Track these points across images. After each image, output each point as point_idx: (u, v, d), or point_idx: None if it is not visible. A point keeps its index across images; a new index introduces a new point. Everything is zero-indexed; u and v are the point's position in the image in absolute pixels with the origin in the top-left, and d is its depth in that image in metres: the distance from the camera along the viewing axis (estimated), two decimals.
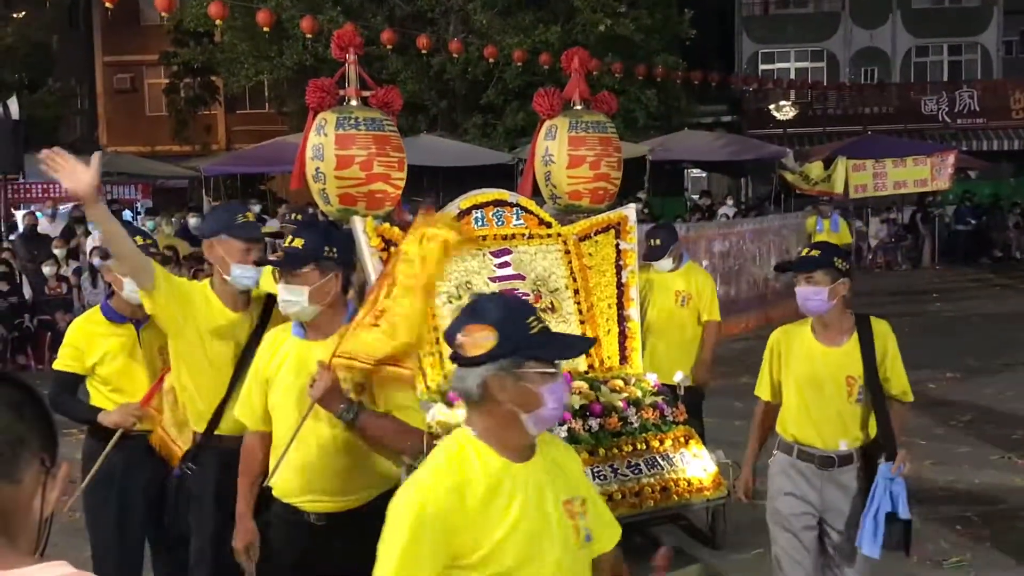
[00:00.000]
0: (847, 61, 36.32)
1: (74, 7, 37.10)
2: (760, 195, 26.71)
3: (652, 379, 6.51)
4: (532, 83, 25.38)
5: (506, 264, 6.31)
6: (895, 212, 26.25)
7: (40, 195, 18.50)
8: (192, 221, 16.18)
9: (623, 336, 6.60)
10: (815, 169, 23.40)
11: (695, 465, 6.28)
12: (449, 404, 5.50)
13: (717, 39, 34.58)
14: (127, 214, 21.43)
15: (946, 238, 26.21)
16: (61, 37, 33.75)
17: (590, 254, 6.63)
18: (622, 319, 6.61)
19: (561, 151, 6.89)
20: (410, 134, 24.92)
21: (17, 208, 18.14)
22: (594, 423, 5.98)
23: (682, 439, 6.31)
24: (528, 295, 6.19)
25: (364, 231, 5.85)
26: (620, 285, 6.65)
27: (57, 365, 5.02)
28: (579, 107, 7.12)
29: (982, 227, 26.43)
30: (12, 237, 16.31)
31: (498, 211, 6.40)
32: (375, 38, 21.65)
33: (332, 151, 5.91)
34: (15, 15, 30.55)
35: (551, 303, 6.34)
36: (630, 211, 6.91)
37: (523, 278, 6.31)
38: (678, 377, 6.73)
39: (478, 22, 25.57)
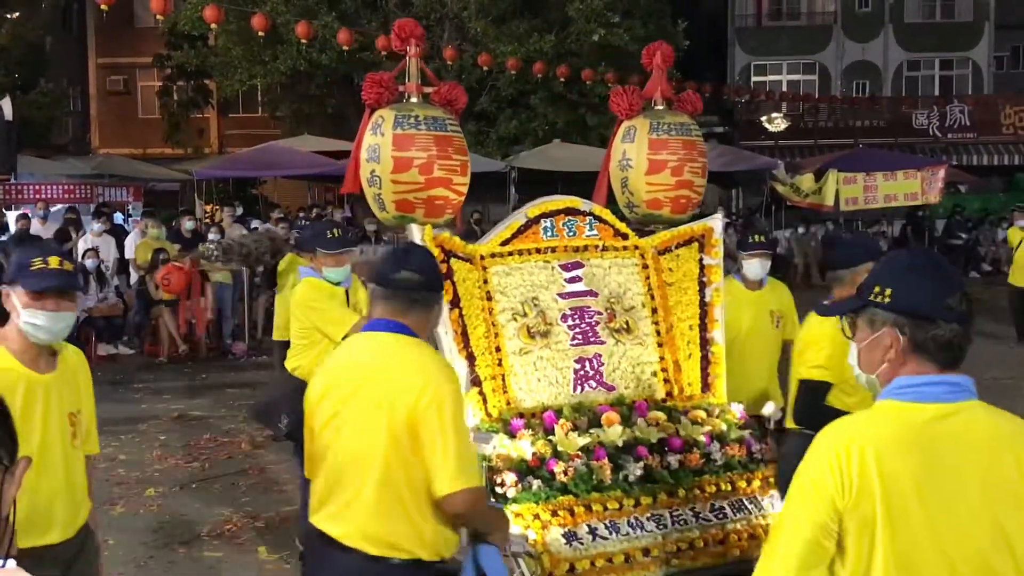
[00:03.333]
0: (839, 74, 36.46)
1: (68, 8, 37.06)
2: (751, 206, 26.81)
3: (738, 410, 5.77)
4: (525, 91, 25.49)
5: (577, 279, 5.68)
6: (885, 225, 26.35)
7: (32, 196, 18.45)
8: (187, 224, 16.16)
9: (706, 361, 5.88)
10: (806, 181, 23.47)
11: None
12: (511, 435, 4.92)
13: (710, 50, 34.67)
14: (118, 217, 21.42)
15: (936, 252, 26.31)
16: (54, 38, 33.73)
17: (670, 269, 5.97)
18: (705, 342, 5.91)
19: (640, 155, 6.28)
20: None
21: (9, 209, 18.09)
22: (673, 459, 5.27)
23: (771, 480, 5.56)
24: (601, 313, 5.60)
25: (423, 241, 5.28)
26: (703, 304, 5.98)
27: None
28: (660, 107, 6.48)
29: (972, 241, 26.55)
30: (4, 238, 16.28)
31: (569, 220, 5.78)
32: (370, 44, 21.68)
33: (389, 152, 5.45)
34: (9, 16, 30.52)
35: (626, 323, 5.68)
36: (716, 222, 6.20)
37: (596, 295, 5.66)
38: (769, 409, 6.03)
39: (472, 30, 25.61)
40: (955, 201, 27.85)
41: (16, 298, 3.49)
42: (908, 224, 26.15)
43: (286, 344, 7.66)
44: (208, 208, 21.93)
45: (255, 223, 18.11)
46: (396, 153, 5.43)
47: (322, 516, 3.41)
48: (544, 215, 5.74)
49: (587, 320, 5.54)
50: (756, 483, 5.48)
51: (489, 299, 5.30)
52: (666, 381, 5.70)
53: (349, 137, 27.33)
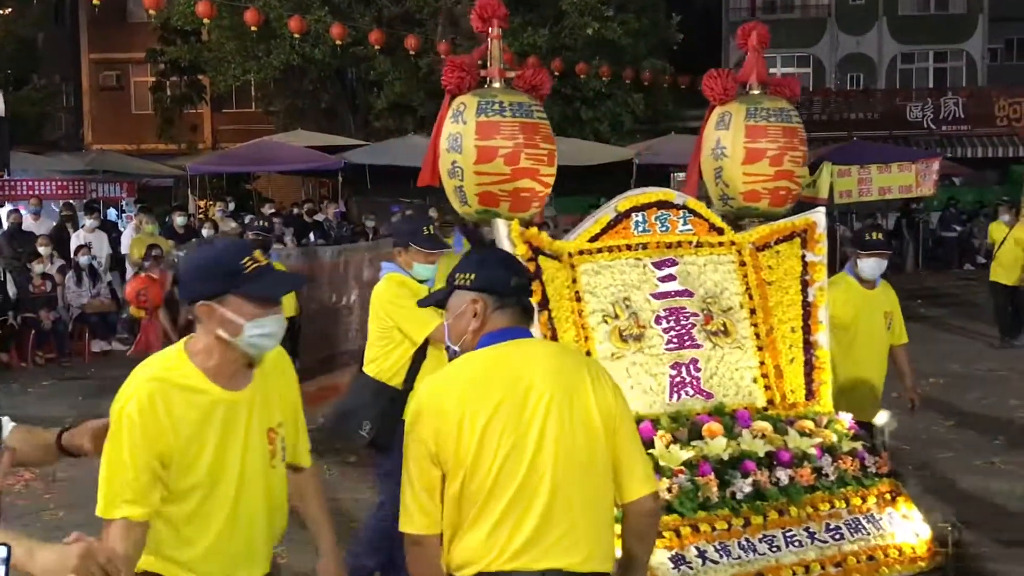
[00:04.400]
0: (833, 67, 36.46)
1: (60, 4, 36.92)
2: None
3: (847, 420, 5.36)
4: None
5: (671, 277, 5.30)
6: (880, 218, 26.34)
7: (25, 192, 18.38)
8: (179, 220, 16.12)
9: (809, 367, 5.46)
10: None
11: (905, 529, 5.06)
12: None
13: (704, 43, 34.64)
14: (111, 213, 21.37)
15: (930, 244, 26.34)
16: (47, 34, 33.61)
17: (770, 267, 5.54)
18: (808, 346, 5.48)
19: (736, 143, 5.83)
20: (397, 135, 24.94)
21: (2, 206, 18.03)
22: (783, 475, 4.86)
23: (888, 495, 5.11)
24: (697, 315, 5.24)
25: (509, 237, 4.98)
26: (806, 305, 5.54)
27: None
28: (756, 91, 6.03)
29: (966, 234, 26.57)
30: None
31: (662, 214, 5.37)
32: (363, 39, 21.64)
33: (472, 141, 5.09)
34: (1, 11, 30.41)
35: (723, 325, 5.30)
36: (819, 216, 5.81)
37: (691, 294, 5.28)
38: (882, 419, 5.66)
39: (466, 24, 25.55)
40: (950, 193, 27.84)
41: (230, 310, 2.93)
42: (903, 217, 26.16)
43: None
44: (201, 204, 21.88)
45: (248, 218, 18.07)
46: (480, 142, 5.10)
47: (542, 551, 2.87)
48: (635, 208, 5.37)
49: (682, 322, 5.21)
50: (871, 500, 5.06)
51: (578, 300, 5.00)
52: (767, 388, 5.32)
53: (342, 132, 27.46)
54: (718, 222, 5.56)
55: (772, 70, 32.99)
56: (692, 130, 30.03)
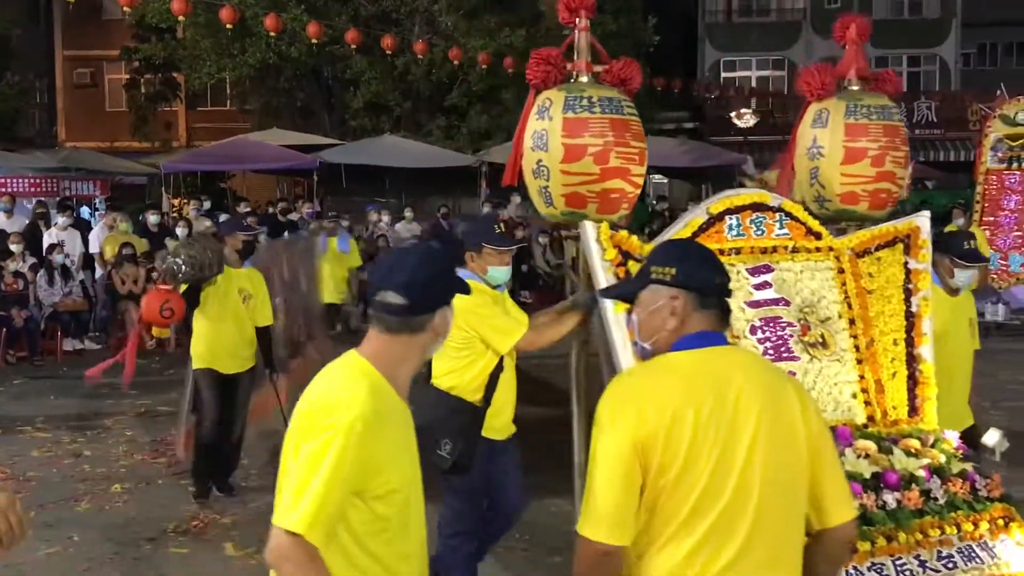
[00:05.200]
0: None
1: (35, 0, 36.66)
2: None
3: (954, 438, 4.95)
4: (496, 86, 25.46)
5: (766, 285, 4.95)
6: (856, 225, 26.53)
7: None
8: (152, 218, 16.03)
9: (913, 381, 5.08)
10: (774, 177, 23.60)
11: (1021, 558, 4.60)
12: None
13: (680, 46, 34.75)
14: (84, 211, 21.23)
15: None
16: (21, 30, 33.33)
17: (870, 274, 5.19)
18: (912, 359, 5.11)
19: (835, 142, 5.48)
20: (373, 134, 24.91)
21: None
22: (890, 498, 4.47)
23: (1001, 521, 4.67)
24: (793, 325, 4.91)
25: (597, 240, 4.69)
26: (909, 315, 5.17)
27: None
28: (855, 87, 5.68)
29: (939, 237, 26.74)
30: None
31: (757, 217, 5.03)
32: (339, 38, 21.59)
33: (559, 139, 4.81)
34: None
35: (821, 336, 4.97)
36: (923, 220, 5.42)
37: (787, 303, 4.94)
38: (993, 438, 5.27)
39: (443, 24, 25.57)
40: (922, 197, 28.02)
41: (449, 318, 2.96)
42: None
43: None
44: (175, 202, 21.77)
45: (223, 217, 17.98)
46: (567, 140, 4.82)
47: (744, 569, 2.67)
48: (729, 211, 5.02)
49: (779, 333, 4.88)
50: (984, 526, 4.64)
51: None
52: (867, 404, 4.95)
53: (318, 131, 27.38)
54: (815, 226, 5.22)
55: (747, 73, 33.34)
56: (667, 132, 30.24)
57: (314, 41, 20.05)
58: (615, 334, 4.43)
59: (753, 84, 35.05)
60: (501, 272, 5.18)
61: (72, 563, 6.35)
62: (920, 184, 28.23)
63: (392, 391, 2.81)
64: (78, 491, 7.79)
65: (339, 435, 2.59)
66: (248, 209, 18.40)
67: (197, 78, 28.11)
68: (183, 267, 7.22)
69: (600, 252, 4.67)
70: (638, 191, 5.04)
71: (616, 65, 5.09)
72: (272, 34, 20.78)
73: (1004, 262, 15.43)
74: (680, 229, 4.92)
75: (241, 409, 7.82)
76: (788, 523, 2.74)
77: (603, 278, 4.58)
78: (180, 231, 15.57)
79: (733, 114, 31.97)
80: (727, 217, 4.99)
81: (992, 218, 15.75)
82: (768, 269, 4.95)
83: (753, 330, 4.82)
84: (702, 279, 2.82)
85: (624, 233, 4.73)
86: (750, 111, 31.87)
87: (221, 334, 7.62)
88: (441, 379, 5.10)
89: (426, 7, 25.99)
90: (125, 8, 16.26)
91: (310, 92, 28.74)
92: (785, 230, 5.09)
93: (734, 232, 4.98)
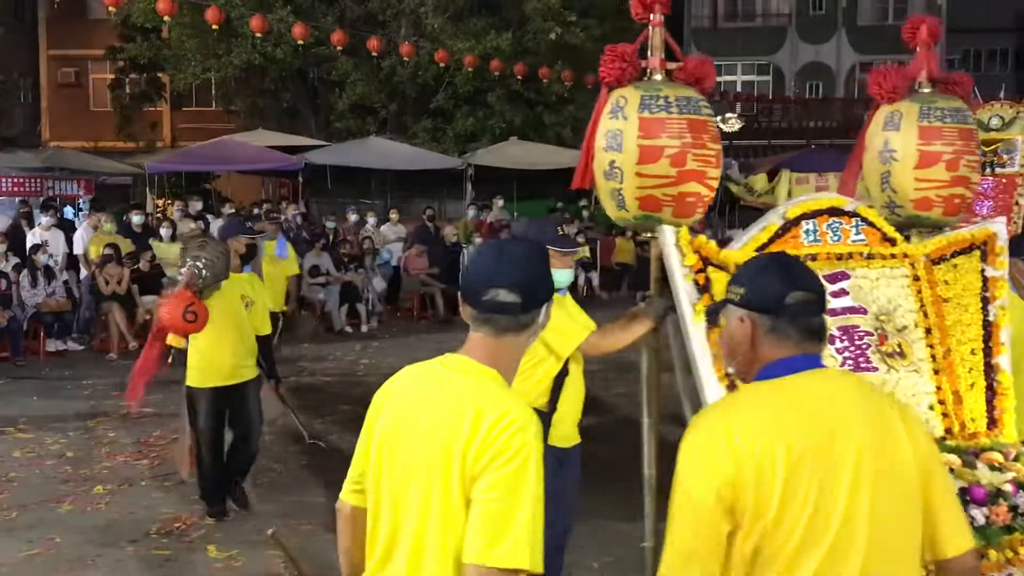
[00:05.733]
0: (793, 75, 36.82)
1: None
2: None
3: None
4: (482, 89, 25.49)
5: (843, 292, 4.79)
6: None
7: None
8: (136, 219, 15.98)
9: (991, 392, 4.91)
10: (759, 181, 23.75)
11: None
12: None
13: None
14: (68, 211, 21.15)
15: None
16: (5, 29, 33.20)
17: (946, 282, 5.02)
18: (990, 369, 4.95)
19: (908, 146, 5.25)
20: (359, 136, 24.89)
21: None
22: (978, 514, 4.26)
23: None
24: (871, 334, 4.75)
25: (677, 245, 4.55)
26: (987, 324, 5.01)
27: None
28: (927, 89, 5.45)
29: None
30: None
31: (834, 222, 4.89)
32: (325, 39, 21.57)
33: (635, 140, 4.62)
34: None
35: (898, 346, 4.78)
36: (999, 226, 5.25)
37: (864, 311, 4.78)
38: None
39: (429, 26, 25.56)
40: None
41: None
42: None
43: None
44: (160, 203, 21.71)
45: (216, 220, 17.93)
46: (643, 140, 4.62)
47: None
48: (805, 216, 4.87)
49: (856, 342, 4.73)
50: None
51: None
52: (944, 416, 4.76)
53: (303, 132, 27.33)
54: (891, 231, 5.02)
55: (733, 78, 33.50)
56: None
57: (300, 42, 20.04)
58: (695, 345, 4.32)
59: (738, 89, 35.19)
60: (564, 275, 5.05)
61: (54, 564, 6.33)
62: None
63: None
64: (60, 492, 7.76)
65: (534, 451, 2.48)
66: (233, 210, 18.36)
67: (182, 78, 28.05)
68: (203, 271, 6.80)
69: (679, 258, 4.52)
70: (713, 194, 4.86)
71: (691, 63, 4.92)
72: (258, 35, 20.75)
73: None
74: (756, 234, 4.81)
75: (254, 422, 7.33)
76: (903, 560, 2.54)
77: (682, 285, 4.47)
78: (164, 232, 15.53)
79: (719, 118, 31.98)
80: (803, 222, 4.86)
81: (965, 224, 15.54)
82: (844, 276, 4.80)
83: (831, 339, 4.61)
84: (771, 298, 2.59)
85: (703, 238, 4.61)
86: (735, 115, 31.98)
87: (224, 344, 7.05)
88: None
89: (412, 9, 25.98)
90: (110, 7, 16.20)
91: (296, 93, 28.70)
92: (861, 236, 4.94)
93: (810, 238, 4.86)
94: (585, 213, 22.03)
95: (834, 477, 2.43)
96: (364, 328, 16.20)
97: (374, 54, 21.48)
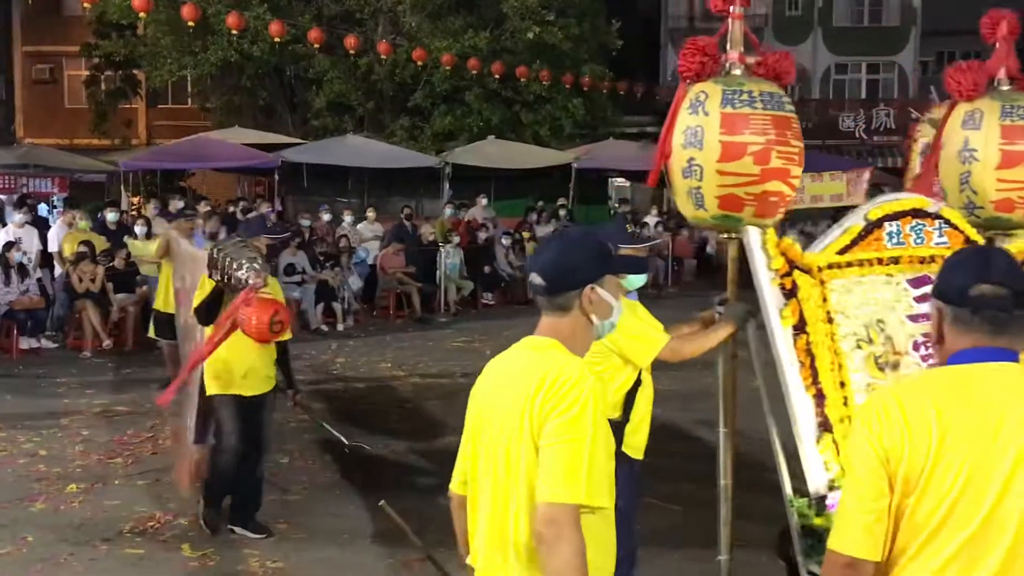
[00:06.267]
0: None
1: None
2: None
3: None
4: (460, 88, 25.48)
5: (927, 297, 4.79)
6: (811, 225, 26.78)
7: None
8: (110, 216, 15.88)
9: None
10: None
11: None
12: None
13: (643, 51, 34.93)
14: (43, 208, 21.00)
15: None
16: None
17: None
18: None
19: (990, 146, 5.06)
20: (336, 134, 24.84)
21: None
22: None
23: None
24: None
25: (763, 248, 4.42)
26: None
27: None
28: (1007, 87, 5.22)
29: None
30: None
31: (917, 224, 4.71)
32: (302, 37, 21.52)
33: (716, 136, 4.44)
34: None
35: None
36: None
37: None
38: None
39: (407, 24, 25.56)
40: None
41: (608, 291, 2.93)
42: (833, 224, 26.65)
43: None
44: (135, 200, 21.59)
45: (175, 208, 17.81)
46: (725, 137, 4.44)
47: None
48: (887, 217, 4.69)
49: None
50: None
51: (830, 321, 4.42)
52: None
53: (280, 130, 27.25)
54: (973, 234, 4.85)
55: None
56: (630, 136, 30.35)
57: (277, 40, 19.99)
58: (782, 352, 4.21)
59: None
60: (638, 277, 4.77)
61: (26, 564, 6.29)
62: (878, 190, 28.54)
63: None
64: (33, 491, 7.70)
65: (590, 402, 2.69)
66: (209, 208, 18.29)
67: (158, 75, 27.91)
68: (263, 271, 6.30)
69: (765, 260, 4.39)
70: (795, 194, 4.70)
71: (771, 57, 4.75)
72: (234, 32, 20.68)
73: None
74: (839, 236, 4.69)
75: (266, 440, 6.98)
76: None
77: (768, 289, 4.34)
78: (139, 229, 15.44)
79: None
80: (886, 224, 4.71)
81: None
82: (928, 280, 4.52)
83: (916, 346, 4.50)
84: (955, 289, 2.62)
85: (788, 240, 4.50)
86: None
87: (249, 350, 6.55)
88: None
89: (390, 7, 25.95)
90: (85, 4, 16.11)
91: (272, 91, 28.62)
92: (944, 238, 4.77)
93: (894, 240, 4.70)
94: (563, 212, 22.05)
95: (988, 467, 2.44)
96: (340, 327, 16.16)
97: (351, 52, 21.45)
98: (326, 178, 21.86)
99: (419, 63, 22.65)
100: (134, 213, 18.86)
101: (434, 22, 25.41)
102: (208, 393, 6.72)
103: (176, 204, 18.04)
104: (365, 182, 23.06)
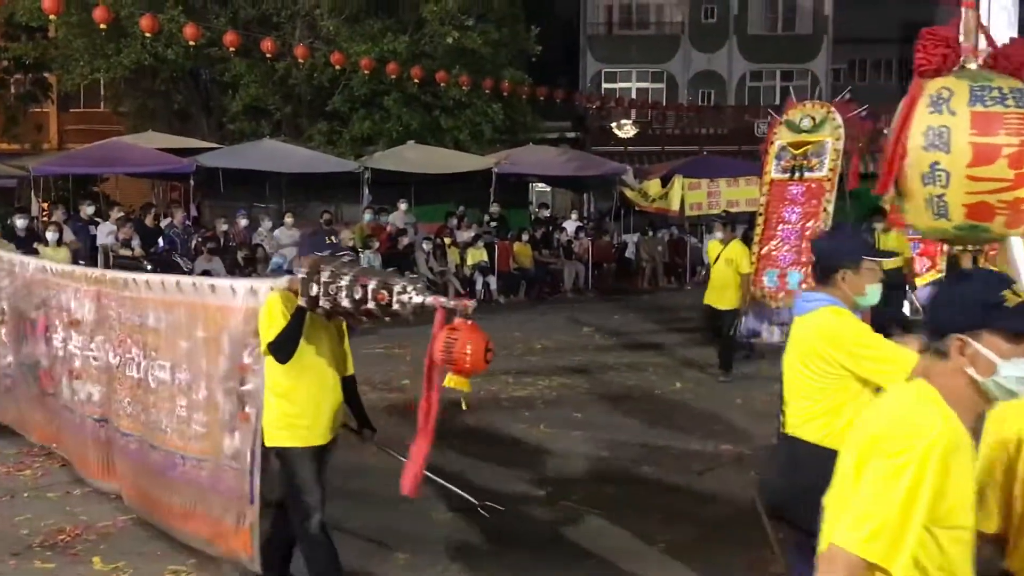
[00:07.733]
0: (686, 83, 37.48)
1: None
2: (601, 210, 27.30)
3: None
4: (379, 92, 25.38)
5: None
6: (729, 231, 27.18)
7: None
8: (19, 223, 15.51)
9: None
10: (653, 187, 24.10)
11: None
12: None
13: (562, 56, 35.16)
14: None
15: None
16: None
17: None
18: None
19: (958, 138, 4.67)
20: (253, 138, 24.57)
21: None
22: None
23: None
24: None
25: None
26: None
27: None
28: (973, 64, 4.75)
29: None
30: None
31: None
32: (218, 40, 21.24)
33: (966, 138, 4.05)
34: None
35: None
36: None
37: None
38: None
39: (325, 28, 25.38)
40: None
41: (986, 346, 2.57)
42: (749, 229, 27.01)
43: None
44: (46, 206, 21.11)
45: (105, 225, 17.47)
46: (976, 139, 4.06)
47: None
48: None
49: None
50: None
51: None
52: None
53: (195, 134, 26.85)
54: None
55: (628, 84, 33.90)
56: (550, 141, 30.57)
57: (192, 43, 19.70)
58: None
59: (633, 96, 35.65)
60: (875, 291, 4.27)
61: None
62: None
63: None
64: None
65: (916, 458, 2.48)
66: (122, 214, 17.96)
67: (70, 79, 27.40)
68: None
69: None
70: None
71: (1010, 47, 4.30)
72: (148, 35, 20.34)
73: (783, 279, 12.95)
74: None
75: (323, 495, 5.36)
76: None
77: None
78: (51, 236, 15.10)
79: (614, 124, 32.45)
80: None
81: (775, 231, 13.61)
82: None
83: None
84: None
85: None
86: (630, 122, 32.40)
87: (325, 390, 5.30)
88: (805, 428, 4.21)
89: (307, 11, 25.76)
90: None
91: (187, 95, 28.22)
92: None
93: None
94: (487, 216, 22.09)
95: None
96: None
97: (268, 56, 21.23)
98: (243, 183, 21.59)
99: (337, 67, 22.49)
100: (45, 219, 18.45)
101: (352, 26, 25.29)
102: (274, 444, 5.32)
103: (86, 210, 17.72)
104: (283, 187, 22.83)
